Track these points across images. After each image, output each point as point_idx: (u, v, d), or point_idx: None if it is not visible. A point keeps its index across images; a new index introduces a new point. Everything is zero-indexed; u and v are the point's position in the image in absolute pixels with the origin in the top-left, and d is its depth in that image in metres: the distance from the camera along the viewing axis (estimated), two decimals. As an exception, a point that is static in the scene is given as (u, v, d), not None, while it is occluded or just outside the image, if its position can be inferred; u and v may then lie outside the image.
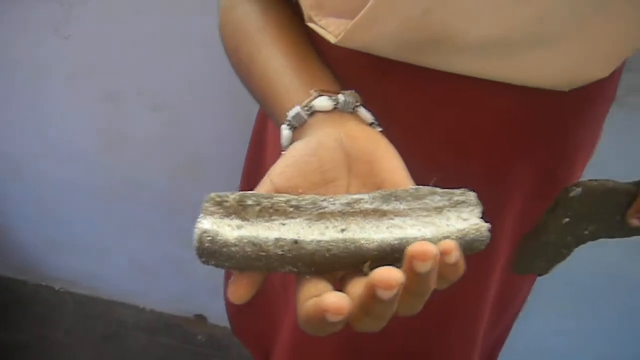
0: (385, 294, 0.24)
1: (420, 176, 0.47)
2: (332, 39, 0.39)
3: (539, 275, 0.44)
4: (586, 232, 0.41)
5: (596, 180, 0.39)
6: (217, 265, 0.28)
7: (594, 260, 0.91)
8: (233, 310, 0.78)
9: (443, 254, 0.26)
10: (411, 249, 0.25)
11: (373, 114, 0.40)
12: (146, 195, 1.08)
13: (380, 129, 0.40)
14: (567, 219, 0.40)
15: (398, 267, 0.26)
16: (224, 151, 0.98)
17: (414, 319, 0.58)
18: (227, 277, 0.72)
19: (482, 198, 0.54)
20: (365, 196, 0.31)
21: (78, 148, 1.04)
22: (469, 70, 0.42)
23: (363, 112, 0.39)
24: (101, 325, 1.25)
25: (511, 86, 0.44)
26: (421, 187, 0.32)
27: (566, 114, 0.50)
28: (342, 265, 0.28)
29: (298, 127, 0.38)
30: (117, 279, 1.22)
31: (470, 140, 0.50)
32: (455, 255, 0.27)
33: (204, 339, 1.23)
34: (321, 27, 0.40)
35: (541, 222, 0.41)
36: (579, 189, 0.39)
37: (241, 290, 0.29)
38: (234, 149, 0.67)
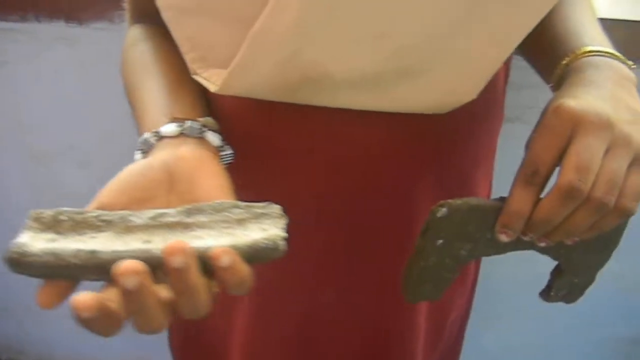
0: (127, 281, 0.28)
1: (314, 208, 0.47)
2: (213, 88, 0.41)
3: (430, 301, 0.43)
4: (463, 252, 0.41)
5: (460, 199, 0.39)
6: (24, 274, 0.31)
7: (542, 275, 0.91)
8: (178, 355, 0.76)
9: (213, 259, 0.30)
10: (165, 249, 0.29)
11: (222, 138, 0.42)
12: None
13: (227, 152, 0.43)
14: (440, 241, 0.40)
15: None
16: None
17: (352, 343, 0.57)
18: (171, 333, 0.71)
19: (388, 225, 0.54)
20: (171, 211, 0.34)
21: (9, 210, 1.02)
22: (346, 103, 0.44)
23: (210, 137, 0.42)
24: (52, 392, 1.20)
25: (391, 114, 0.45)
26: (224, 201, 0.35)
27: (452, 134, 0.51)
28: None
29: (148, 152, 0.41)
30: (65, 342, 1.19)
31: (357, 171, 0.50)
32: (226, 260, 0.30)
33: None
34: (204, 78, 0.42)
35: (418, 246, 0.41)
36: (444, 209, 0.39)
37: (47, 297, 0.31)
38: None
